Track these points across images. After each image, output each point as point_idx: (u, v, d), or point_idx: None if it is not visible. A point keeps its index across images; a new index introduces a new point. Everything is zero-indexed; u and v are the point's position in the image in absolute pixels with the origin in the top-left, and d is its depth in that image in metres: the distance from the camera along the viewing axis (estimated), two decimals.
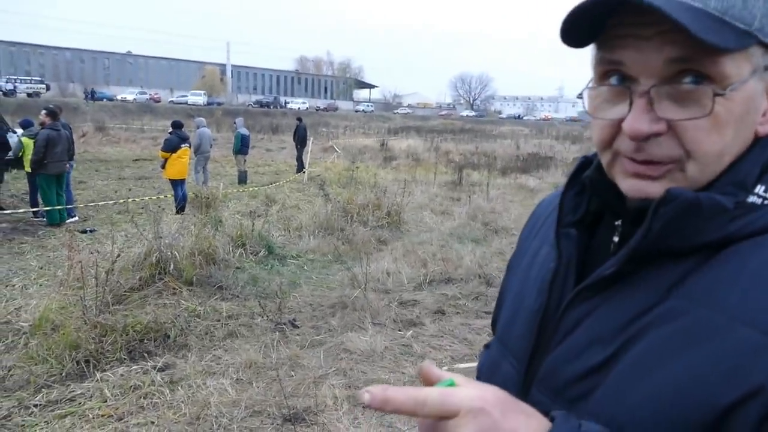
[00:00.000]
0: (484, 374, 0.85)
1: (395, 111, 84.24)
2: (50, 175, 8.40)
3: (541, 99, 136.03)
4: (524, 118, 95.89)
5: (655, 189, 0.61)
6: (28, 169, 8.75)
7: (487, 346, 0.92)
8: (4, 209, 8.79)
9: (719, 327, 0.55)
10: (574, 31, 0.62)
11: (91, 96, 52.31)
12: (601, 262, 0.66)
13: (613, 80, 0.64)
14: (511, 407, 0.54)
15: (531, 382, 0.70)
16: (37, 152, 8.18)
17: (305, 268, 6.74)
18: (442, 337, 4.83)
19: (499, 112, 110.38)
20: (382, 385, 0.52)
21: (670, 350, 0.57)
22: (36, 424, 3.36)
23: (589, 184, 0.73)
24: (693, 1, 0.58)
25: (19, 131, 9.66)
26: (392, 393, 0.52)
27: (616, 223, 0.70)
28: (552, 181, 15.33)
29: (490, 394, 0.54)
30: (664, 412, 0.55)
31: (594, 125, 0.67)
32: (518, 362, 0.74)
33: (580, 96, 0.71)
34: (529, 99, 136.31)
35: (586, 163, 0.76)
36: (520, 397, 0.70)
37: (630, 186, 0.64)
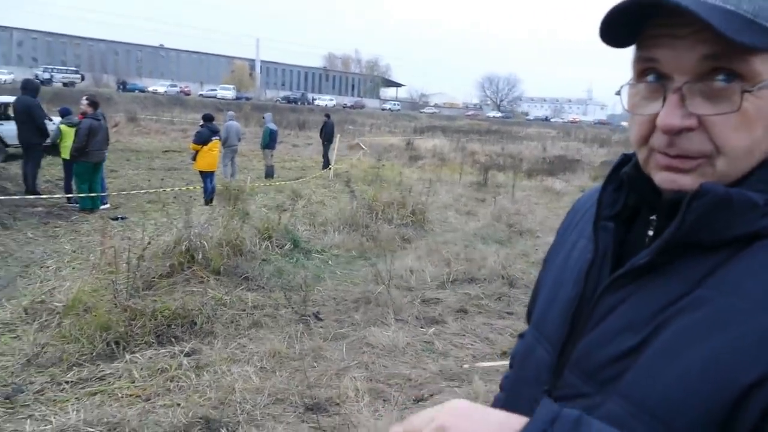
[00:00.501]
0: (517, 359, 0.88)
1: (422, 110, 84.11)
2: (90, 163, 8.64)
3: (569, 101, 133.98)
4: (551, 120, 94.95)
5: (686, 181, 0.64)
6: (65, 155, 9.00)
7: (521, 336, 0.95)
8: (39, 194, 9.06)
9: (744, 313, 0.58)
10: (612, 31, 0.66)
11: (123, 87, 53.37)
12: (636, 255, 0.68)
13: (650, 78, 0.67)
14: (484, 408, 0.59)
15: (564, 365, 0.72)
16: (80, 140, 8.42)
17: (330, 262, 6.81)
18: (464, 335, 4.85)
19: (526, 114, 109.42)
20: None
21: (697, 335, 0.59)
22: (67, 400, 3.48)
23: (626, 180, 0.76)
24: (726, 4, 0.61)
25: (57, 119, 9.94)
26: None
27: (651, 217, 0.72)
28: (579, 185, 15.15)
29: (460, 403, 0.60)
30: (692, 394, 0.57)
31: (632, 122, 0.70)
32: (552, 347, 0.76)
33: (618, 93, 0.74)
34: (557, 101, 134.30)
35: (625, 159, 0.78)
36: (552, 379, 0.74)
37: (663, 178, 0.67)
